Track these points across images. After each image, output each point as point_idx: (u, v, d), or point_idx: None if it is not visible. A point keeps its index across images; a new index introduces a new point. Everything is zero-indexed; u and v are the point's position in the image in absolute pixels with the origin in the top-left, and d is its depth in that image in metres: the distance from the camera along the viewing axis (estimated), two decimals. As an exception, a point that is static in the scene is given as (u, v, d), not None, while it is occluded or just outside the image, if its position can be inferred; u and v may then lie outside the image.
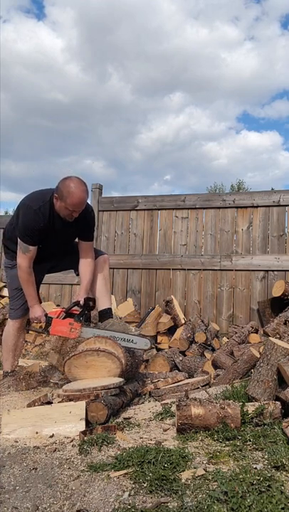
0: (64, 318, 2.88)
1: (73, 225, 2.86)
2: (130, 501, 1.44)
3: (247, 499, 1.39)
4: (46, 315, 2.92)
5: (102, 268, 3.13)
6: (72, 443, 1.94)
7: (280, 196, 4.54)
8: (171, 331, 4.31)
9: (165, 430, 2.10)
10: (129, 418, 2.29)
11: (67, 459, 1.79)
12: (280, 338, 3.19)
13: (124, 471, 1.63)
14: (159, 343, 4.24)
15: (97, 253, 3.17)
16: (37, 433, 2.04)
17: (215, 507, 1.36)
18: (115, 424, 2.12)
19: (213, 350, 4.01)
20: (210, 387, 2.75)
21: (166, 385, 2.88)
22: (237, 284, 4.58)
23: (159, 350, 4.12)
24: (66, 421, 2.06)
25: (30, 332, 4.03)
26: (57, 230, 2.86)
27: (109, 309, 3.10)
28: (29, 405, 2.40)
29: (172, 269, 4.83)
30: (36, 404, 2.38)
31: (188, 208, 4.86)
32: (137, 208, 5.07)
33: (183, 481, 1.55)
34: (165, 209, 4.97)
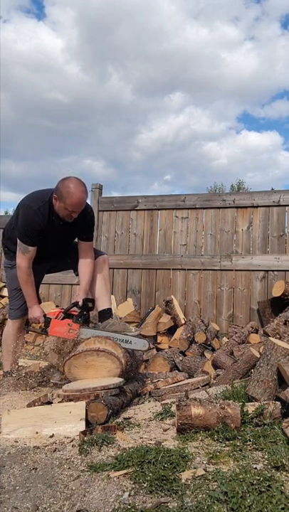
0: (63, 319, 2.88)
1: (73, 225, 2.85)
2: (130, 501, 1.44)
3: (247, 499, 1.39)
4: (45, 315, 2.92)
5: (101, 268, 3.12)
6: (72, 443, 1.94)
7: (280, 196, 4.54)
8: (171, 331, 4.31)
9: (165, 430, 2.10)
10: (129, 418, 2.29)
11: (67, 459, 1.79)
12: (280, 338, 3.19)
13: (124, 471, 1.63)
14: (159, 343, 4.24)
15: (97, 253, 3.17)
16: (37, 433, 2.04)
17: (215, 507, 1.36)
18: (115, 424, 2.11)
19: (213, 350, 4.01)
20: (210, 387, 2.75)
21: (166, 385, 2.88)
22: (237, 284, 4.58)
23: (159, 350, 4.12)
24: (66, 421, 2.06)
25: (30, 332, 4.03)
26: (56, 230, 2.85)
27: (109, 309, 3.10)
28: (29, 405, 2.40)
29: (172, 269, 4.83)
30: (36, 404, 2.38)
31: (188, 208, 4.86)
32: (137, 208, 5.07)
33: (183, 481, 1.55)
34: (165, 209, 4.97)
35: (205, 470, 1.62)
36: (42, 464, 1.76)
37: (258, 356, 2.62)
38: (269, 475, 1.55)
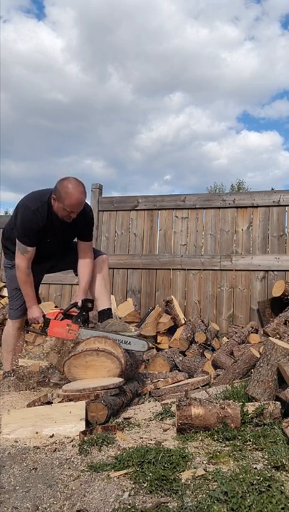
0: (62, 320, 2.88)
1: (72, 225, 2.85)
2: (130, 501, 1.44)
3: (247, 499, 1.39)
4: (44, 316, 2.92)
5: (101, 268, 3.12)
6: (72, 443, 1.94)
7: (280, 196, 4.54)
8: (171, 331, 4.31)
9: (165, 430, 2.10)
10: (129, 418, 2.29)
11: (67, 459, 1.79)
12: (280, 338, 3.18)
13: (124, 471, 1.63)
14: (159, 343, 4.24)
15: (97, 253, 3.16)
16: (37, 433, 2.04)
17: (215, 507, 1.36)
18: (115, 424, 2.11)
19: (213, 350, 4.00)
20: (210, 387, 2.75)
21: (166, 385, 2.88)
22: (237, 284, 4.58)
23: (159, 350, 4.12)
24: (66, 421, 2.06)
25: (29, 332, 4.03)
26: (55, 230, 2.85)
27: (109, 309, 3.09)
28: (29, 405, 2.40)
29: (172, 269, 4.83)
30: (36, 404, 2.38)
31: (188, 208, 4.86)
32: (137, 208, 5.07)
33: (183, 481, 1.55)
34: (165, 209, 4.97)
35: (205, 470, 1.62)
36: (42, 464, 1.76)
37: (258, 356, 2.62)
38: (269, 475, 1.55)
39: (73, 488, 1.56)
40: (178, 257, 4.81)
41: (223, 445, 1.88)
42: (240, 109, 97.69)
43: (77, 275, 3.12)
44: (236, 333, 3.97)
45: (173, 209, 4.93)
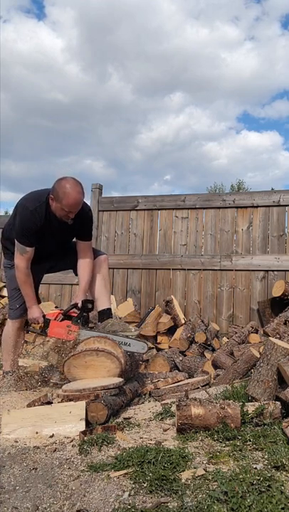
0: (62, 321, 2.87)
1: (70, 225, 2.85)
2: (130, 501, 1.44)
3: (247, 499, 1.39)
4: (44, 316, 2.92)
5: (101, 268, 3.12)
6: (72, 443, 1.94)
7: (280, 196, 4.54)
8: (171, 331, 4.30)
9: (165, 430, 2.10)
10: (129, 418, 2.29)
11: (67, 459, 1.79)
12: (280, 338, 3.18)
13: (124, 471, 1.63)
14: (159, 343, 4.24)
15: (97, 253, 3.16)
16: (37, 433, 2.04)
17: (215, 507, 1.36)
18: (115, 424, 2.11)
19: (213, 350, 4.00)
20: (210, 387, 2.75)
21: (166, 385, 2.88)
22: (237, 284, 4.58)
23: (159, 350, 4.11)
24: (66, 421, 2.06)
25: (29, 332, 4.03)
26: (54, 230, 2.85)
27: (109, 309, 3.09)
28: (29, 405, 2.40)
29: (172, 269, 4.83)
30: (36, 404, 2.38)
31: (188, 208, 4.86)
32: (137, 208, 5.07)
33: (183, 481, 1.55)
34: (165, 209, 4.97)
35: (205, 470, 1.62)
36: (42, 464, 1.76)
37: (258, 356, 2.62)
38: (269, 475, 1.55)
39: (73, 488, 1.56)
40: (178, 257, 4.81)
41: (223, 445, 1.88)
42: (240, 109, 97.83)
43: (77, 275, 3.11)
44: (236, 333, 3.96)
45: (173, 209, 4.93)
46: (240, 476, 1.54)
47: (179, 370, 3.61)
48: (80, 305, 2.89)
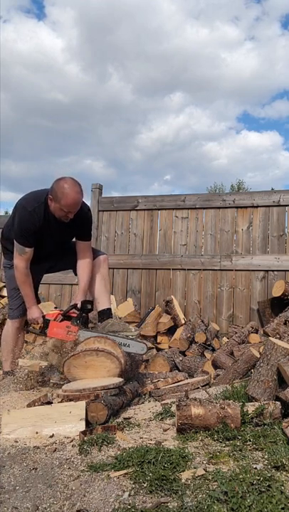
0: (61, 321, 2.87)
1: (70, 225, 2.85)
2: (130, 501, 1.44)
3: (247, 499, 1.39)
4: (44, 317, 2.92)
5: (101, 268, 3.12)
6: (72, 443, 1.94)
7: (280, 196, 4.53)
8: (171, 331, 4.30)
9: (165, 430, 2.10)
10: (129, 418, 2.29)
11: (67, 459, 1.79)
12: (280, 338, 3.18)
13: (124, 471, 1.63)
14: (159, 343, 4.24)
15: (96, 253, 3.16)
16: (37, 433, 2.04)
17: (215, 507, 1.36)
18: (115, 424, 2.11)
19: (213, 350, 4.00)
20: (210, 387, 2.75)
21: (166, 385, 2.88)
22: (237, 284, 4.58)
23: (159, 350, 4.11)
24: (66, 421, 2.06)
25: (29, 332, 4.03)
26: (53, 230, 2.85)
27: (109, 309, 3.09)
28: (29, 405, 2.40)
29: (172, 269, 4.83)
30: (36, 404, 2.38)
31: (188, 208, 4.86)
32: (137, 208, 5.07)
33: (183, 481, 1.55)
34: (165, 209, 4.97)
35: (205, 470, 1.62)
36: (42, 464, 1.76)
37: (258, 356, 2.62)
38: (269, 475, 1.55)
39: (73, 488, 1.56)
40: (178, 257, 4.81)
41: (223, 445, 1.88)
42: (240, 109, 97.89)
43: (76, 275, 3.11)
44: (236, 333, 3.96)
45: (173, 209, 4.93)
46: (240, 476, 1.54)
47: (179, 370, 3.61)
48: (79, 305, 2.89)
